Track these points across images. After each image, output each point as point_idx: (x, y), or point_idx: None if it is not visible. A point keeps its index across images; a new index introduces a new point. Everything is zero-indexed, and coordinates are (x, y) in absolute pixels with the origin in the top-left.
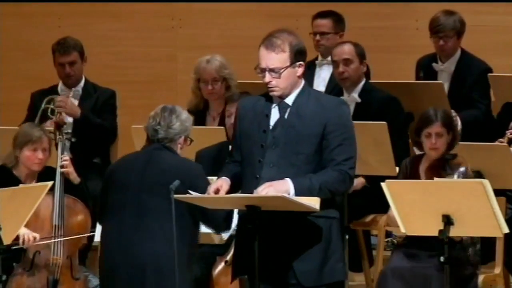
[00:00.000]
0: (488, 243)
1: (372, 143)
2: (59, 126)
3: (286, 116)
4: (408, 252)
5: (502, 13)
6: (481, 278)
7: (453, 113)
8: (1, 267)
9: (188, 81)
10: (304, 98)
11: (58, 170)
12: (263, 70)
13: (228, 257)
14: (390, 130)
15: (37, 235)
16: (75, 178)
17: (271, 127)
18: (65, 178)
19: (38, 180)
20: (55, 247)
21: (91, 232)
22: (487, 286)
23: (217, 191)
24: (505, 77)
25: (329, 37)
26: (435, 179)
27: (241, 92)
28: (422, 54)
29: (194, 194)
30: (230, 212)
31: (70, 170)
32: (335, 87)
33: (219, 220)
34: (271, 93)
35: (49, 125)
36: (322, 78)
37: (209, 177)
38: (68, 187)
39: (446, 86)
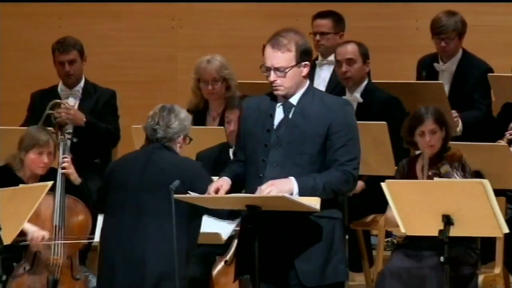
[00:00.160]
0: (488, 243)
1: (372, 143)
2: (60, 126)
3: (290, 116)
4: (408, 253)
5: (502, 13)
6: (481, 278)
7: (455, 113)
8: (1, 267)
9: (188, 81)
10: (309, 98)
11: (59, 171)
12: (268, 69)
13: (228, 257)
14: (390, 130)
15: (46, 234)
16: (75, 178)
17: (275, 126)
18: (66, 178)
19: (40, 181)
20: (55, 247)
21: (89, 238)
22: (487, 286)
23: (217, 191)
24: (505, 77)
25: (329, 37)
26: (435, 179)
27: (240, 96)
28: (422, 54)
29: (194, 194)
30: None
31: (71, 171)
32: (335, 87)
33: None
34: (275, 92)
35: (53, 131)
36: (322, 78)
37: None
38: (69, 187)
39: (447, 86)
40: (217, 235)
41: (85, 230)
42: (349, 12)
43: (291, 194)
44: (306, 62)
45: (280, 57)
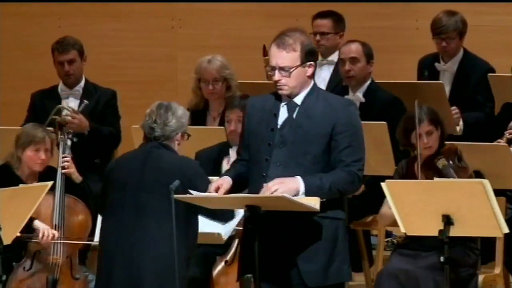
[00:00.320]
0: (488, 243)
1: (372, 143)
2: (61, 126)
3: (294, 115)
4: (406, 253)
5: (502, 13)
6: (481, 278)
7: (455, 109)
8: (1, 266)
9: (188, 81)
10: (313, 98)
11: (59, 170)
12: (273, 68)
13: (228, 257)
14: (391, 130)
15: (56, 233)
16: (77, 177)
17: (279, 126)
18: (66, 177)
19: (39, 180)
20: (55, 247)
21: (89, 239)
22: (487, 286)
23: (217, 189)
24: (505, 77)
25: (329, 37)
26: (435, 179)
27: (241, 96)
28: (422, 54)
29: (195, 193)
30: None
31: (72, 170)
32: (335, 87)
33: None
34: (279, 92)
35: (53, 130)
36: (322, 78)
37: (209, 177)
38: (69, 186)
39: (448, 86)
40: (217, 235)
41: (85, 229)
42: (349, 12)
43: (297, 193)
44: (311, 62)
45: (285, 57)
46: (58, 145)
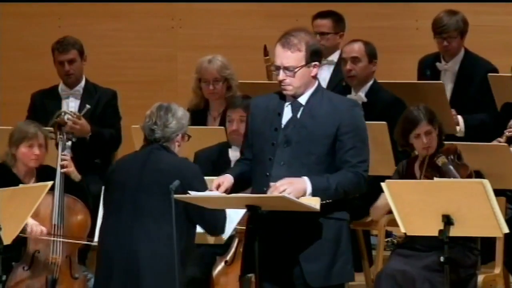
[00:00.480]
0: (488, 243)
1: (372, 143)
2: (59, 125)
3: (298, 115)
4: (405, 253)
5: (502, 13)
6: (481, 278)
7: (453, 111)
8: (1, 267)
9: (188, 81)
10: (317, 99)
11: (58, 170)
12: (277, 68)
13: (228, 257)
14: (392, 131)
15: (44, 229)
16: (76, 176)
17: (283, 125)
18: (65, 177)
19: (38, 179)
20: (54, 246)
21: (89, 240)
22: (487, 286)
23: (218, 187)
24: (505, 77)
25: (329, 37)
26: (435, 179)
27: (243, 96)
28: (422, 54)
29: (194, 193)
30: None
31: (71, 169)
32: (335, 87)
33: (217, 222)
34: (284, 92)
35: (51, 130)
36: (322, 78)
37: (208, 177)
38: (69, 186)
39: (449, 86)
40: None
41: (84, 229)
42: (349, 12)
43: (304, 193)
44: (316, 62)
45: (289, 57)
46: (57, 145)
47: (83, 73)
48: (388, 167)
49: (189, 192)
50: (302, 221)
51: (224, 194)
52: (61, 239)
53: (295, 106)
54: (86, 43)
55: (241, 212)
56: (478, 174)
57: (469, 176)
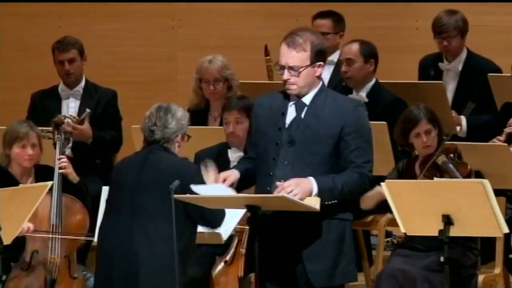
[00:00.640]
0: (488, 243)
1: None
2: (57, 125)
3: (302, 115)
4: (405, 253)
5: (502, 13)
6: (481, 278)
7: (453, 113)
8: (0, 267)
9: (188, 81)
10: (322, 99)
11: (56, 170)
12: (282, 68)
13: (228, 257)
14: (392, 131)
15: (31, 225)
16: (74, 177)
17: (286, 125)
18: (64, 177)
19: (36, 179)
20: (52, 246)
21: (88, 235)
22: (487, 286)
23: (223, 181)
24: (505, 77)
25: (329, 37)
26: (435, 179)
27: (238, 97)
28: (422, 54)
29: (200, 187)
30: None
31: (69, 170)
32: (335, 87)
33: (216, 218)
34: (288, 91)
35: (49, 129)
36: (322, 78)
37: None
38: (67, 186)
39: (452, 85)
40: (217, 235)
41: (83, 229)
42: (349, 12)
43: (311, 194)
44: (321, 62)
45: (294, 56)
46: (55, 144)
47: (83, 73)
48: (388, 167)
49: (194, 186)
50: (306, 221)
51: (229, 189)
52: (55, 236)
53: (299, 106)
54: (86, 43)
55: (241, 212)
56: (478, 174)
57: (469, 174)
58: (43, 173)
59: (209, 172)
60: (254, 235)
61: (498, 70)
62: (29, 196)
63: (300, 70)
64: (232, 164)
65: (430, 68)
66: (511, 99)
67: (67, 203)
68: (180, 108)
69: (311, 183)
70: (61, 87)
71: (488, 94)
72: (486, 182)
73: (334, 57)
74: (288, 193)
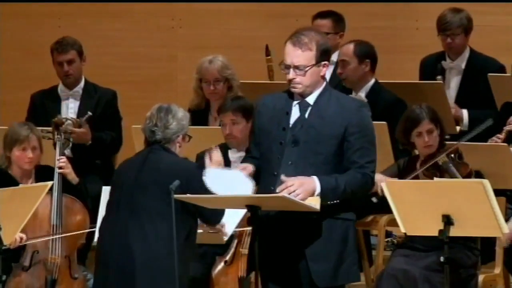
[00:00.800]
0: (488, 243)
1: None
2: (57, 126)
3: (306, 115)
4: (406, 253)
5: (502, 13)
6: (481, 278)
7: (455, 106)
8: (0, 267)
9: (188, 81)
10: (325, 99)
11: (56, 170)
12: (287, 67)
13: (228, 257)
14: (392, 131)
15: (23, 236)
16: (73, 178)
17: (290, 125)
18: (64, 178)
19: (36, 180)
20: (53, 246)
21: (91, 226)
22: (487, 286)
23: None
24: (505, 77)
25: (329, 37)
26: (435, 179)
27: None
28: (422, 54)
29: (220, 171)
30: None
31: (68, 171)
32: (335, 87)
33: (216, 215)
34: (292, 90)
35: (49, 130)
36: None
37: None
38: (67, 187)
39: (455, 83)
40: (217, 235)
41: (83, 229)
42: (349, 12)
43: (313, 193)
44: (325, 62)
45: (300, 56)
46: (55, 144)
47: (82, 73)
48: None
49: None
50: (310, 221)
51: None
52: (55, 236)
53: (303, 106)
54: (86, 43)
55: (242, 212)
56: (478, 174)
57: (469, 174)
58: (43, 173)
59: (214, 157)
60: (254, 235)
61: (501, 68)
62: (29, 196)
63: (306, 69)
64: (233, 165)
65: (428, 68)
66: (511, 99)
67: (67, 203)
68: (181, 109)
69: (314, 182)
70: (61, 88)
71: (491, 92)
72: (486, 182)
73: (334, 57)
74: (290, 193)
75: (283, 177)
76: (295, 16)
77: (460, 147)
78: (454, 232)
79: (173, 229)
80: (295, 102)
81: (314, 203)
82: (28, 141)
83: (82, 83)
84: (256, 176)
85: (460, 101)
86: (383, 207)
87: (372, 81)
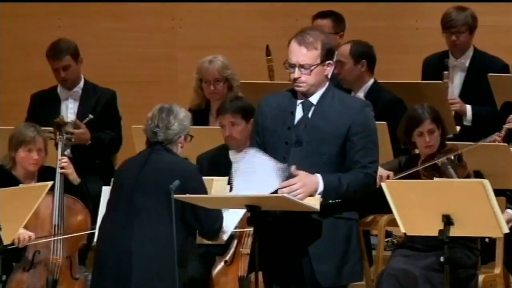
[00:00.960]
0: (488, 243)
1: None
2: (59, 125)
3: (309, 115)
4: (406, 253)
5: (502, 13)
6: (481, 278)
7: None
8: (1, 267)
9: (188, 81)
10: (329, 98)
11: (58, 170)
12: (292, 66)
13: (228, 257)
14: (392, 131)
15: (32, 234)
16: (74, 178)
17: (295, 124)
18: (65, 178)
19: (38, 180)
20: (54, 247)
21: (92, 228)
22: (487, 286)
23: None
24: (505, 77)
25: (329, 37)
26: (435, 179)
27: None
28: (422, 54)
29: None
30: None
31: (70, 171)
32: (335, 87)
33: (212, 226)
34: (296, 89)
35: (51, 130)
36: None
37: (206, 177)
38: (68, 187)
39: (459, 81)
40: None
41: (84, 229)
42: (349, 12)
43: (316, 192)
44: (330, 61)
45: (305, 55)
46: (56, 145)
47: (80, 74)
48: None
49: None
50: (313, 221)
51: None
52: (57, 237)
53: (306, 106)
54: (86, 43)
55: (241, 212)
56: (478, 174)
57: (467, 177)
58: (46, 175)
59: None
60: (254, 235)
61: (505, 66)
62: (29, 196)
63: (312, 68)
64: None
65: (430, 67)
66: (511, 99)
67: (69, 203)
68: (182, 109)
69: (317, 181)
70: (60, 88)
71: None
72: (486, 182)
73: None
74: (292, 191)
75: (292, 169)
76: (295, 16)
77: (460, 147)
78: (454, 232)
79: (173, 229)
80: (298, 102)
81: (314, 203)
82: (34, 142)
83: (81, 83)
84: None
85: (463, 99)
86: (383, 206)
87: (371, 81)
